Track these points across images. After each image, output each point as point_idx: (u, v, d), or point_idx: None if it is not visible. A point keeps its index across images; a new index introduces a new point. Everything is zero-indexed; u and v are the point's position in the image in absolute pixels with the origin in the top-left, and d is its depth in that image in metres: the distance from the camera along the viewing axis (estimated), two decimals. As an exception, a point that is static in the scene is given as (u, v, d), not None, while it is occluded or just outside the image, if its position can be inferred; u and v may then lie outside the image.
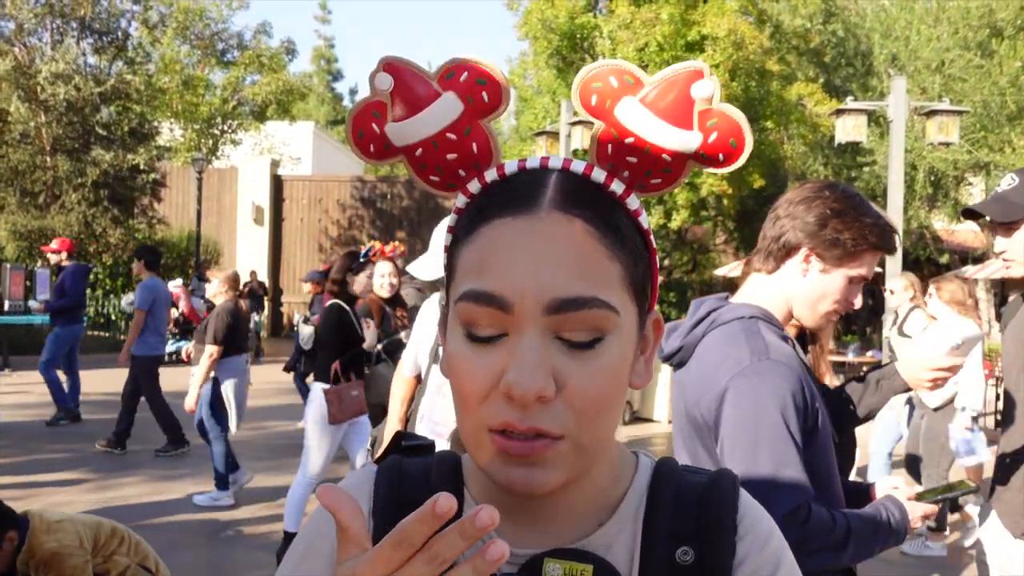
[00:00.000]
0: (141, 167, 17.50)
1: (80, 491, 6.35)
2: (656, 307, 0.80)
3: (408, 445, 0.89)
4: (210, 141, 22.35)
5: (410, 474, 0.83)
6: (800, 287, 1.84)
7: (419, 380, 3.56)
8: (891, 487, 1.87)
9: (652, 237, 0.78)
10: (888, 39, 16.50)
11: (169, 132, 21.66)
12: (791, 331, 2.35)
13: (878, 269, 2.40)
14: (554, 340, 0.69)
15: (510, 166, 0.76)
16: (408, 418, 3.52)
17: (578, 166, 0.74)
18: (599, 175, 0.74)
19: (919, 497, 1.86)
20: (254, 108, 22.91)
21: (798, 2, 18.11)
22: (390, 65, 0.77)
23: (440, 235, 3.18)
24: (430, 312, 3.48)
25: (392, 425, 3.58)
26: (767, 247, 1.88)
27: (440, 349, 3.22)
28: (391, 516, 0.79)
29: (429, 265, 3.28)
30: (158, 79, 20.55)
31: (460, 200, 0.78)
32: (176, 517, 5.88)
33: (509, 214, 0.71)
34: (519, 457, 0.69)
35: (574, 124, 12.96)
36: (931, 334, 5.63)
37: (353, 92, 56.46)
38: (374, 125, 0.78)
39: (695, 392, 1.77)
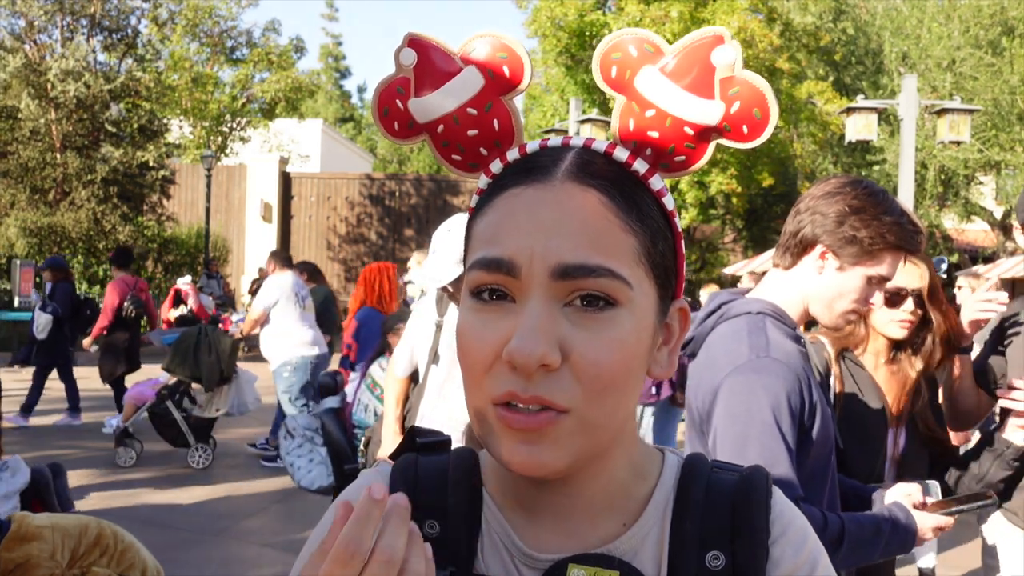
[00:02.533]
0: (150, 164, 17.54)
1: (88, 488, 6.36)
2: (682, 296, 0.77)
3: (423, 442, 0.85)
4: (219, 138, 22.40)
5: (426, 473, 0.80)
6: (816, 285, 1.80)
7: (413, 380, 3.49)
8: (905, 494, 1.83)
9: (677, 219, 0.75)
10: (899, 37, 16.42)
11: (178, 129, 21.73)
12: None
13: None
14: (562, 308, 0.67)
15: (532, 145, 0.75)
16: (405, 419, 3.47)
17: (600, 145, 0.73)
18: (621, 153, 0.72)
19: (938, 507, 1.81)
20: (263, 105, 22.94)
21: (808, 0, 18.04)
22: (414, 41, 0.77)
23: (441, 240, 3.05)
24: (425, 311, 3.39)
25: (389, 425, 3.52)
26: (785, 242, 1.85)
27: (439, 349, 3.17)
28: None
29: (434, 270, 3.06)
30: (168, 76, 20.60)
31: (482, 181, 0.76)
32: (184, 514, 5.89)
33: (523, 183, 0.70)
34: (523, 432, 0.66)
35: (583, 122, 12.93)
36: None
37: (361, 90, 56.49)
38: (398, 102, 0.78)
39: (695, 383, 1.77)
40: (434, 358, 3.26)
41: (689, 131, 0.73)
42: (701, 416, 1.72)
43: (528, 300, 0.67)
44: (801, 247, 1.81)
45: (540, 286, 0.66)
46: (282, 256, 7.39)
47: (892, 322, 2.25)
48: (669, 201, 0.74)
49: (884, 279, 1.79)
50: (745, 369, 1.64)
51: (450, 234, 3.03)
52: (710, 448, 1.67)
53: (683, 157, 0.75)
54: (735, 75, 0.72)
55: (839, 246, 1.76)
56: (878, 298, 1.86)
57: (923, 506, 1.82)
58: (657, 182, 0.73)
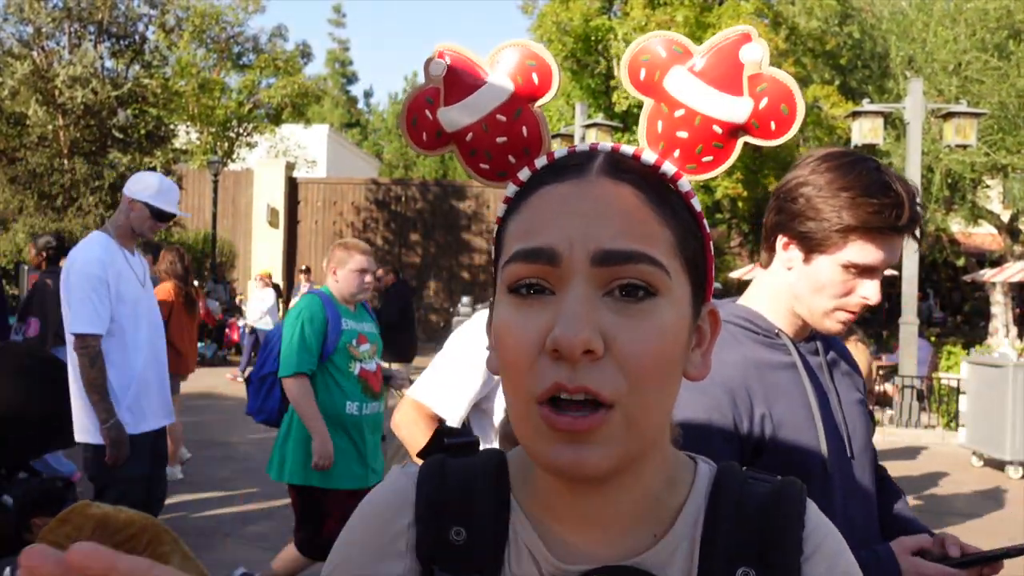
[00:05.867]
0: (157, 170, 17.60)
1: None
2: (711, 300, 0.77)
3: (451, 443, 0.85)
4: (226, 144, 22.45)
5: (453, 476, 0.78)
6: (788, 282, 1.56)
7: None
8: (911, 544, 1.50)
9: (705, 222, 0.75)
10: (905, 41, 16.39)
11: (185, 135, 21.77)
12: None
13: (893, 272, 2.10)
14: (603, 298, 0.66)
15: (560, 152, 0.75)
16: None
17: (628, 148, 0.74)
18: (650, 156, 0.73)
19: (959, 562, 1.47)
20: (269, 111, 22.99)
21: (814, 4, 18.03)
22: (444, 52, 0.80)
23: None
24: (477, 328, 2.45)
25: None
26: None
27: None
28: (433, 523, 0.76)
29: None
30: (175, 82, 20.65)
31: (510, 189, 0.76)
32: (189, 518, 5.91)
33: (557, 181, 0.70)
34: (568, 433, 0.64)
35: (588, 126, 12.95)
36: None
37: (368, 95, 56.61)
38: (427, 112, 0.80)
39: None
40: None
41: (718, 129, 0.75)
42: None
43: (569, 288, 0.66)
44: (769, 240, 1.59)
45: (580, 273, 0.66)
46: None
47: None
48: (697, 203, 0.74)
49: (867, 267, 1.48)
50: None
51: None
52: None
53: (711, 157, 0.76)
54: (762, 72, 0.74)
55: (794, 232, 1.52)
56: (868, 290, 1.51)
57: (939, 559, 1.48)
58: (685, 184, 0.74)
